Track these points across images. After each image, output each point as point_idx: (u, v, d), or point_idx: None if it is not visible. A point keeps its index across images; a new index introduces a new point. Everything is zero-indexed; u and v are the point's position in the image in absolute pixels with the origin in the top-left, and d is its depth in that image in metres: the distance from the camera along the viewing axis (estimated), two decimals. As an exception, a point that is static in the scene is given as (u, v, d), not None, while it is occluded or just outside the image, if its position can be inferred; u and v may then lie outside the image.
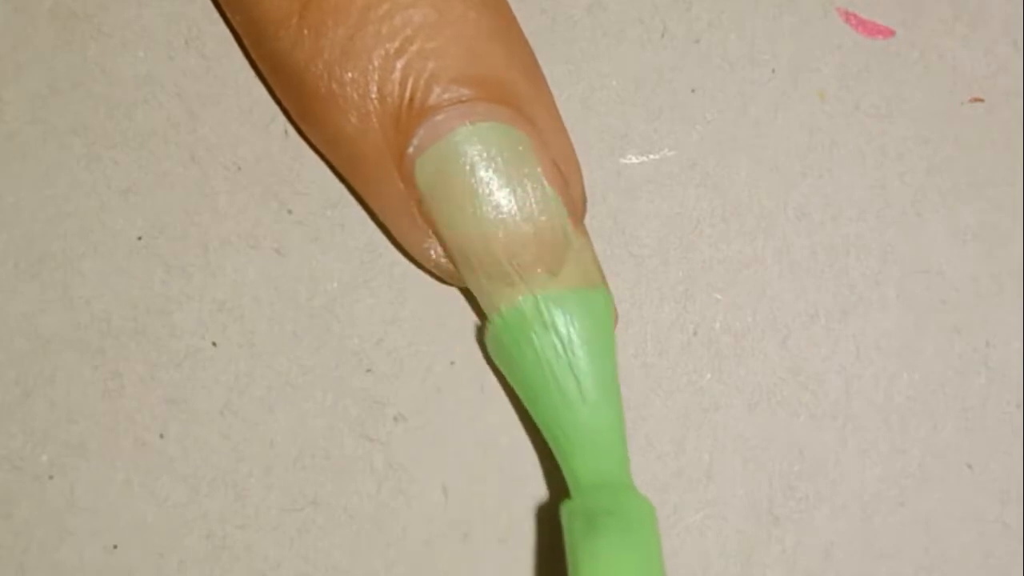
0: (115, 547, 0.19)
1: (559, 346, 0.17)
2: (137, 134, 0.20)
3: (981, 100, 0.21)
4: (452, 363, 0.20)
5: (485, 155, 0.18)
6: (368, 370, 0.20)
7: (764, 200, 0.21)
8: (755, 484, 0.20)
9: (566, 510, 0.17)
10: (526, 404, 0.18)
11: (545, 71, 0.20)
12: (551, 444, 0.18)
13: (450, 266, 0.18)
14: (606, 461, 0.17)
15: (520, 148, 0.18)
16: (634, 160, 0.21)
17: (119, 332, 0.20)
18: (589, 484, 0.17)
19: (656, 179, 0.21)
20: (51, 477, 0.20)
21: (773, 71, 0.21)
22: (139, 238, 0.20)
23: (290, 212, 0.20)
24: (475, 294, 0.18)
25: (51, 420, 0.20)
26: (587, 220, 0.20)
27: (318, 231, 0.20)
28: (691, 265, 0.20)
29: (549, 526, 0.20)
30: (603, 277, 0.18)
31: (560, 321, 0.17)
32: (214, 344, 0.20)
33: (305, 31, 0.18)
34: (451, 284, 0.20)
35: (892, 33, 0.21)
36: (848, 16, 0.21)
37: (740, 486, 0.20)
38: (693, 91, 0.21)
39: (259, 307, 0.20)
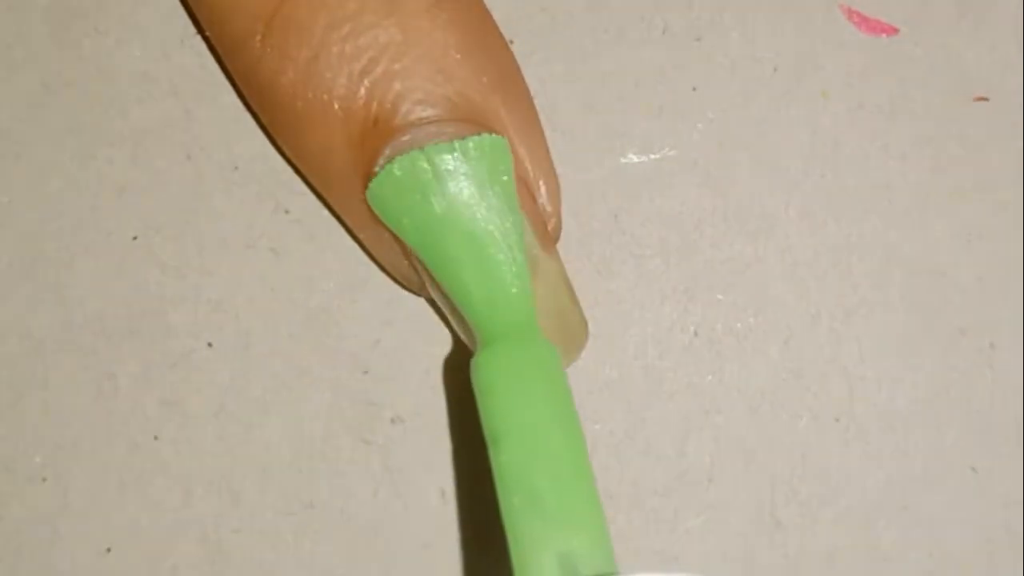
0: (108, 550, 0.19)
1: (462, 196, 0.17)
2: (132, 133, 0.20)
3: (986, 99, 0.21)
4: (450, 364, 0.20)
5: None
6: (365, 371, 0.20)
7: (766, 200, 0.20)
8: (757, 487, 0.20)
9: (472, 364, 0.17)
10: (426, 262, 0.18)
11: (545, 70, 0.20)
12: (461, 308, 0.18)
13: (416, 277, 0.18)
14: (507, 305, 0.17)
15: None
16: (635, 159, 0.21)
17: (113, 333, 0.20)
18: (495, 336, 0.17)
19: (657, 178, 0.20)
20: (44, 479, 0.19)
21: (775, 69, 0.21)
22: (134, 238, 0.20)
23: (287, 212, 0.20)
24: (440, 304, 0.18)
25: (44, 422, 0.19)
26: (587, 220, 0.20)
27: (315, 231, 0.20)
28: (692, 265, 0.20)
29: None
30: (574, 298, 0.18)
31: (458, 171, 0.17)
32: (209, 345, 0.20)
33: (269, 50, 0.18)
34: (419, 295, 0.20)
35: (896, 31, 0.21)
36: (851, 14, 0.21)
37: (742, 489, 0.20)
38: (694, 89, 0.21)
39: (255, 308, 0.20)
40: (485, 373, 0.16)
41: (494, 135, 0.17)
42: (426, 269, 0.18)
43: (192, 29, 0.21)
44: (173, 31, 0.21)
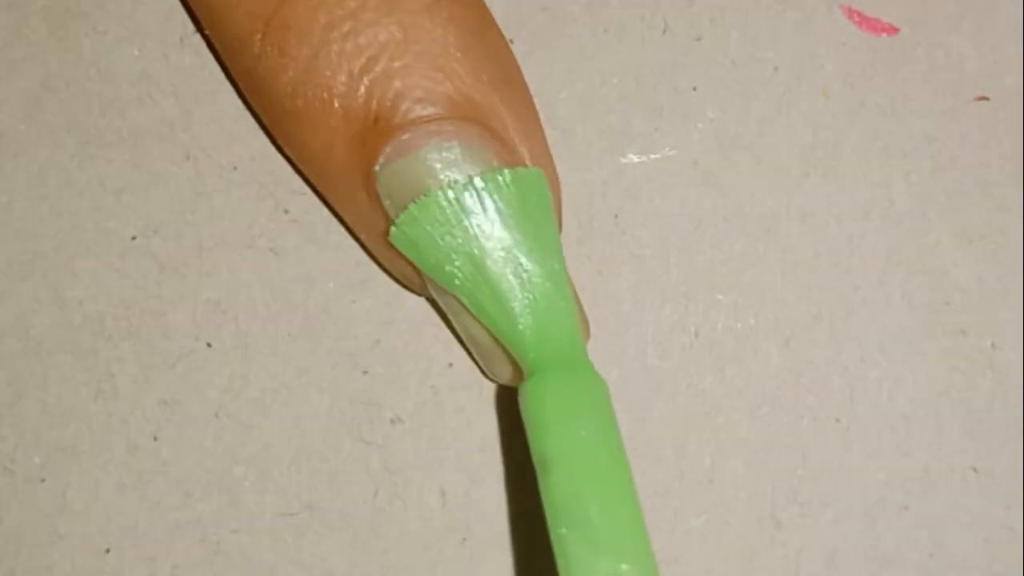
0: (107, 551, 0.19)
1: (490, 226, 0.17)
2: (131, 133, 0.20)
3: (986, 99, 0.21)
4: (450, 364, 0.20)
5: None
6: (364, 372, 0.20)
7: (767, 200, 0.20)
8: (757, 488, 0.20)
9: (521, 391, 0.17)
10: (456, 294, 0.18)
11: (545, 69, 0.20)
12: (497, 336, 0.18)
13: (417, 278, 0.18)
14: (557, 338, 0.17)
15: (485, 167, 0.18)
16: (635, 159, 0.20)
17: (112, 333, 0.20)
18: (542, 365, 0.17)
19: (657, 178, 0.20)
20: (43, 480, 0.19)
21: (776, 69, 0.21)
22: (133, 238, 0.20)
23: (286, 212, 0.20)
24: (441, 306, 0.18)
25: (43, 422, 0.19)
26: (587, 220, 0.20)
27: (314, 231, 0.20)
28: (692, 266, 0.20)
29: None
30: (575, 296, 0.18)
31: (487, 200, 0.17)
32: (208, 345, 0.20)
33: (269, 48, 0.18)
34: (420, 295, 0.20)
35: (896, 30, 0.21)
36: (852, 13, 0.21)
37: (742, 490, 0.20)
38: (695, 89, 0.21)
39: (254, 308, 0.20)
40: (535, 400, 0.16)
41: (533, 168, 0.17)
42: (462, 304, 0.18)
43: (192, 28, 0.20)
44: (173, 31, 0.21)
